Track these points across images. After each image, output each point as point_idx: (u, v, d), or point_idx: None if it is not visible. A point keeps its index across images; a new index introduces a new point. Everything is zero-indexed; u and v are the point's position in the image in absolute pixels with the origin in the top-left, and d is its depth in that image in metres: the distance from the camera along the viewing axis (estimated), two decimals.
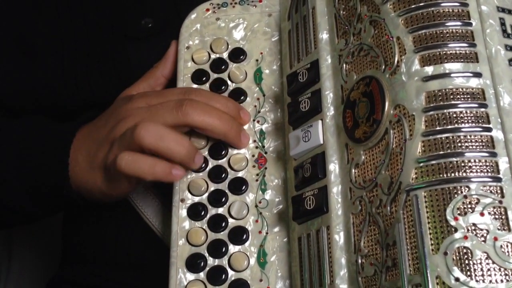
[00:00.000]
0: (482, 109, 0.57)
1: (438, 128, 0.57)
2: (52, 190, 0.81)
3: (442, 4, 0.61)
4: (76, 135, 0.80)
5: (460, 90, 0.58)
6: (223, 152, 0.76)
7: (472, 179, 0.55)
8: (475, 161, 0.56)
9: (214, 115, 0.73)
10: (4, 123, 0.89)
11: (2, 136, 0.86)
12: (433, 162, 0.56)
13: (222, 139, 0.75)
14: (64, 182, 0.80)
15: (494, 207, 0.54)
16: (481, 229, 0.54)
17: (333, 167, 0.66)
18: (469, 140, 0.56)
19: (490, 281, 0.53)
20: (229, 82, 0.79)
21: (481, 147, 0.56)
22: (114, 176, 0.74)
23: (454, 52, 0.59)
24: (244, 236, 0.72)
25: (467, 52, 0.59)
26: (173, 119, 0.72)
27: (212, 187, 0.75)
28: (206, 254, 0.72)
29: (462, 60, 0.59)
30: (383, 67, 0.62)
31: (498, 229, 0.54)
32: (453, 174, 0.56)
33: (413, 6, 0.61)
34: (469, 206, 0.55)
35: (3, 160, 0.83)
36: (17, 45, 0.92)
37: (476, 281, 0.53)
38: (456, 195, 0.55)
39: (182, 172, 0.73)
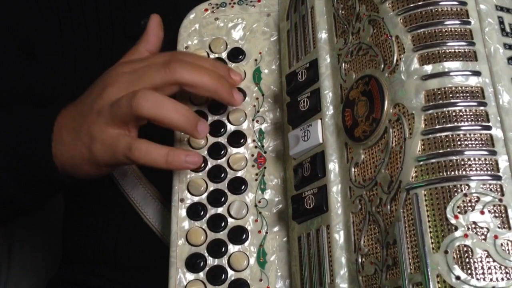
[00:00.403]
0: (481, 108, 0.57)
1: (437, 126, 0.57)
2: (37, 172, 0.80)
3: (441, 3, 0.61)
4: (61, 112, 0.79)
5: (459, 88, 0.58)
6: (222, 152, 0.76)
7: (472, 178, 0.55)
8: (474, 159, 0.56)
9: (203, 71, 0.72)
10: None
11: None
12: (433, 160, 0.57)
13: (214, 97, 0.74)
14: (48, 161, 0.78)
15: (494, 205, 0.54)
16: (481, 227, 0.54)
17: (333, 166, 0.66)
18: (468, 139, 0.57)
19: (491, 279, 0.53)
20: None
21: (480, 145, 0.56)
22: (113, 153, 0.73)
23: (453, 50, 0.59)
24: (244, 236, 0.73)
25: (466, 50, 0.59)
26: (162, 78, 0.71)
27: (212, 186, 0.75)
28: (206, 254, 0.72)
29: (461, 58, 0.59)
30: (382, 66, 0.62)
31: (498, 227, 0.54)
32: (453, 173, 0.56)
33: (411, 5, 0.61)
34: (469, 204, 0.55)
35: None
36: (17, 46, 0.92)
37: (477, 279, 0.53)
38: (456, 194, 0.55)
39: (196, 156, 0.72)
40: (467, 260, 0.53)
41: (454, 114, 0.57)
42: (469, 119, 0.57)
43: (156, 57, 0.76)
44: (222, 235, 0.73)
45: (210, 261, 0.72)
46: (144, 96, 0.69)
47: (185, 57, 0.75)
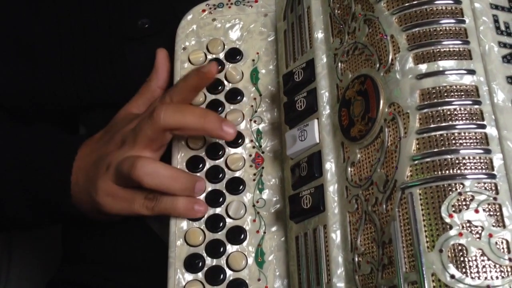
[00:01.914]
0: (476, 106, 0.57)
1: (432, 125, 0.57)
2: (53, 206, 0.83)
3: (436, 2, 0.61)
4: (78, 153, 0.81)
5: (454, 87, 0.58)
6: (220, 152, 0.76)
7: (467, 176, 0.55)
8: (469, 158, 0.56)
9: (186, 111, 0.73)
10: (8, 128, 0.89)
11: (6, 143, 0.86)
12: (428, 159, 0.57)
13: (204, 134, 0.75)
14: (66, 200, 0.81)
15: (488, 204, 0.54)
16: (476, 226, 0.54)
17: (329, 166, 0.66)
18: (463, 137, 0.57)
19: (486, 278, 0.53)
20: (225, 82, 0.79)
21: (475, 144, 0.56)
22: (128, 206, 0.76)
23: (447, 49, 0.59)
24: (242, 236, 0.73)
25: (461, 49, 0.59)
26: (150, 129, 0.73)
27: (210, 187, 0.75)
28: (204, 254, 0.72)
29: (455, 57, 0.59)
30: (378, 65, 0.62)
31: (493, 226, 0.54)
32: (447, 171, 0.56)
33: (406, 4, 0.62)
34: (463, 203, 0.55)
35: (6, 169, 0.84)
36: (16, 47, 0.93)
37: (472, 278, 0.53)
38: (450, 192, 0.55)
39: (203, 206, 0.74)
40: (461, 258, 0.53)
41: (448, 113, 0.58)
42: (463, 118, 0.57)
43: (150, 106, 0.77)
44: (221, 235, 0.73)
45: (209, 261, 0.72)
46: (142, 168, 0.72)
47: (174, 96, 0.75)
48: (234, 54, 0.80)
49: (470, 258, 0.53)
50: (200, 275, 0.71)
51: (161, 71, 0.82)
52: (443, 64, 0.59)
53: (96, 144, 0.80)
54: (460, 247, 0.53)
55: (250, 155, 0.76)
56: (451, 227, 0.54)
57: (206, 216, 0.74)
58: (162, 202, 0.73)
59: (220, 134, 0.73)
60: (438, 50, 0.59)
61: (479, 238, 0.54)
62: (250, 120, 0.78)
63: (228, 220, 0.73)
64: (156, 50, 0.83)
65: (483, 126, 0.57)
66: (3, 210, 0.85)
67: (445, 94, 0.58)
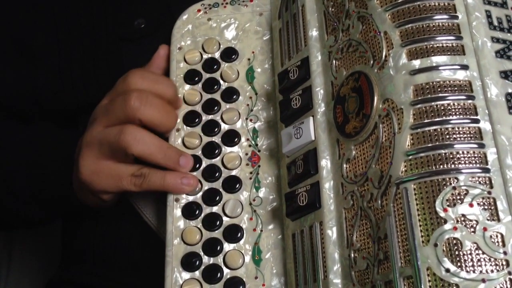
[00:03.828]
0: (470, 101, 0.58)
1: (426, 120, 0.58)
2: (59, 199, 0.84)
3: None
4: (78, 145, 0.81)
5: (447, 82, 0.58)
6: (217, 151, 0.76)
7: (461, 171, 0.55)
8: (463, 152, 0.56)
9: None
10: (11, 128, 0.90)
11: (11, 141, 0.87)
12: (422, 154, 0.57)
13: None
14: (69, 189, 0.81)
15: (483, 198, 0.55)
16: (471, 220, 0.54)
17: (325, 163, 0.66)
18: (457, 132, 0.57)
19: (481, 272, 0.53)
20: (221, 82, 0.80)
21: (469, 138, 0.57)
22: (115, 182, 0.75)
23: (440, 45, 0.60)
24: (239, 234, 0.73)
25: (454, 45, 0.60)
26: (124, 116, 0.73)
27: (206, 186, 0.75)
28: (201, 253, 0.72)
29: (449, 53, 0.59)
30: (372, 62, 0.63)
31: (487, 220, 0.54)
32: (442, 166, 0.56)
33: (399, 1, 0.62)
34: (458, 197, 0.55)
35: (12, 166, 0.84)
36: (15, 48, 0.93)
37: (467, 271, 0.53)
38: (445, 187, 0.55)
39: (192, 179, 0.74)
40: (456, 252, 0.53)
41: (442, 108, 0.58)
42: (457, 113, 0.57)
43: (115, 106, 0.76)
44: (217, 233, 0.73)
45: (206, 260, 0.72)
46: (132, 134, 0.71)
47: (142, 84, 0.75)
48: (229, 54, 0.81)
49: (465, 252, 0.53)
50: (197, 273, 0.71)
51: (154, 66, 0.82)
52: (437, 59, 0.59)
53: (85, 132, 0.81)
54: (455, 241, 0.54)
55: (246, 154, 0.76)
56: (445, 221, 0.54)
57: (203, 214, 0.74)
58: (151, 177, 0.73)
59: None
60: (431, 45, 0.60)
61: (474, 232, 0.54)
62: (246, 118, 0.78)
63: (225, 218, 0.74)
64: (160, 46, 0.82)
65: (477, 121, 0.57)
66: (9, 207, 0.86)
67: (439, 90, 0.58)
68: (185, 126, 0.77)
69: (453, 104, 0.58)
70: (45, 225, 0.95)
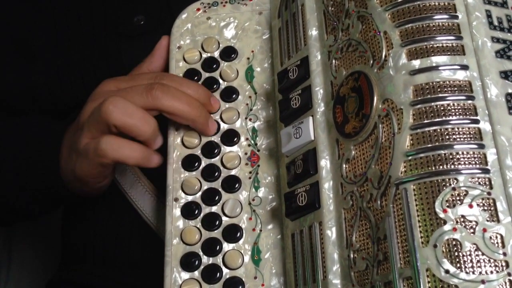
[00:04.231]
0: (470, 101, 0.57)
1: (426, 121, 0.57)
2: (47, 188, 0.83)
3: None
4: (66, 133, 0.81)
5: (447, 82, 0.58)
6: (216, 151, 0.76)
7: (461, 171, 0.55)
8: (463, 153, 0.56)
9: (184, 100, 0.73)
10: (2, 121, 0.90)
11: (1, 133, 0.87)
12: (422, 155, 0.57)
13: (190, 125, 0.75)
14: (57, 179, 0.80)
15: (482, 199, 0.54)
16: (470, 221, 0.54)
17: (324, 163, 0.66)
18: (457, 133, 0.57)
19: (480, 273, 0.53)
20: (220, 81, 0.80)
21: (469, 139, 0.56)
22: (87, 160, 0.74)
23: (440, 45, 0.59)
24: (238, 234, 0.73)
25: (454, 45, 0.59)
26: (143, 102, 0.72)
27: (205, 185, 0.75)
28: (201, 253, 0.72)
29: (448, 53, 0.59)
30: (371, 62, 0.62)
31: (487, 221, 0.54)
32: (441, 167, 0.56)
33: (399, 1, 0.62)
34: (457, 198, 0.55)
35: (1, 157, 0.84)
36: (15, 46, 0.93)
37: (466, 272, 0.53)
38: (444, 188, 0.55)
39: (160, 158, 0.74)
40: (456, 253, 0.53)
41: (442, 108, 0.58)
42: (457, 113, 0.57)
43: (141, 79, 0.76)
44: (217, 233, 0.73)
45: (205, 259, 0.72)
46: (113, 102, 0.70)
47: (170, 81, 0.75)
48: (229, 53, 0.80)
49: (464, 253, 0.53)
50: (196, 273, 0.71)
51: (157, 56, 0.81)
52: (436, 59, 0.59)
53: (76, 119, 0.80)
54: (454, 242, 0.53)
55: (246, 153, 0.76)
56: (445, 222, 0.54)
57: (202, 214, 0.74)
58: (124, 146, 0.71)
59: (204, 129, 0.75)
60: (431, 45, 0.59)
61: (473, 233, 0.54)
62: (246, 118, 0.78)
63: (224, 218, 0.73)
64: (162, 36, 0.82)
65: (477, 121, 0.57)
66: (1, 199, 0.85)
67: (439, 90, 0.58)
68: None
69: (453, 105, 0.57)
70: (41, 217, 0.94)
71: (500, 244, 0.53)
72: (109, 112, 0.70)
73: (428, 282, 0.53)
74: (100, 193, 0.83)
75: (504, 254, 0.53)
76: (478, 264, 0.53)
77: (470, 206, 0.54)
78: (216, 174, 0.75)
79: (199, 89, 0.76)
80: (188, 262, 0.72)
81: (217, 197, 0.74)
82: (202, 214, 0.74)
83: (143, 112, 0.71)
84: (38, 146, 0.83)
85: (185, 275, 0.71)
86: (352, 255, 0.61)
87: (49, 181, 0.81)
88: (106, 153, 0.71)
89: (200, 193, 0.75)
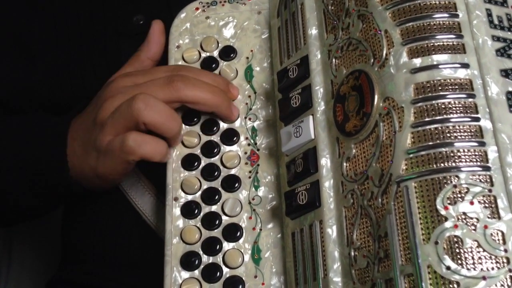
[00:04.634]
0: (470, 99, 0.58)
1: (427, 119, 0.58)
2: (53, 183, 0.82)
3: None
4: (71, 125, 0.80)
5: (448, 81, 0.58)
6: (216, 150, 0.76)
7: (462, 169, 0.55)
8: (464, 150, 0.56)
9: (205, 89, 0.74)
10: (1, 120, 0.89)
11: (1, 131, 0.86)
12: (423, 153, 0.57)
13: (214, 112, 0.76)
14: (65, 173, 0.80)
15: (483, 196, 0.55)
16: (471, 218, 0.54)
17: (325, 162, 0.66)
18: (458, 130, 0.57)
19: (481, 269, 0.53)
20: None
21: (470, 137, 0.57)
22: (112, 158, 0.74)
23: (441, 43, 0.60)
24: (238, 233, 0.73)
25: (455, 43, 0.60)
26: (165, 95, 0.72)
27: (205, 185, 0.75)
28: (201, 252, 0.72)
29: (449, 51, 0.59)
30: (372, 60, 0.63)
31: (488, 217, 0.54)
32: (442, 164, 0.56)
33: None
34: (458, 195, 0.55)
35: (2, 155, 0.84)
36: (14, 44, 0.93)
37: (467, 269, 0.53)
38: (446, 185, 0.55)
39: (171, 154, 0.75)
40: (457, 250, 0.53)
41: (443, 106, 0.58)
42: (458, 111, 0.57)
43: (158, 72, 0.76)
44: (217, 233, 0.73)
45: (205, 259, 0.72)
46: (144, 99, 0.70)
47: (187, 72, 0.75)
48: (228, 52, 0.81)
49: (465, 250, 0.53)
50: (196, 272, 0.71)
51: (152, 42, 0.81)
52: (437, 58, 0.59)
53: (86, 114, 0.80)
54: (455, 239, 0.54)
55: (246, 153, 0.76)
56: (446, 219, 0.54)
57: (202, 213, 0.74)
58: (151, 142, 0.72)
59: (228, 115, 0.76)
60: (432, 44, 0.60)
61: (475, 229, 0.54)
62: (245, 117, 0.78)
63: (224, 217, 0.74)
64: (152, 21, 0.82)
65: (478, 119, 0.57)
66: (4, 198, 0.85)
67: (440, 88, 0.58)
68: (184, 125, 0.77)
69: (454, 103, 0.58)
70: (43, 216, 0.93)
71: (501, 241, 0.54)
72: (141, 110, 0.70)
73: (430, 278, 0.53)
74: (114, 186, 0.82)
75: (505, 250, 0.53)
76: (479, 261, 0.53)
77: (471, 203, 0.54)
78: (216, 173, 0.75)
79: (217, 78, 0.77)
80: (188, 261, 0.72)
81: (217, 197, 0.74)
82: (202, 214, 0.74)
83: (170, 109, 0.72)
84: (43, 142, 0.82)
85: (185, 275, 0.71)
86: (353, 253, 0.61)
87: (55, 178, 0.81)
88: (133, 150, 0.71)
89: (200, 192, 0.75)
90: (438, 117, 0.57)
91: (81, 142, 0.78)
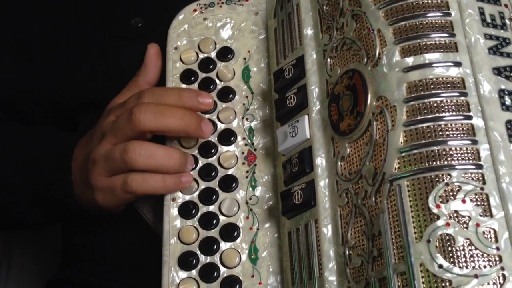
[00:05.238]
0: (463, 98, 0.58)
1: (419, 117, 0.58)
2: (58, 204, 0.84)
3: None
4: (74, 153, 0.82)
5: (440, 79, 0.59)
6: (213, 150, 0.76)
7: (454, 167, 0.56)
8: (456, 149, 0.56)
9: (167, 114, 0.72)
10: (9, 130, 0.90)
11: (7, 144, 0.87)
12: (415, 151, 0.57)
13: (183, 136, 0.76)
14: (70, 199, 0.81)
15: (475, 194, 0.55)
16: (463, 216, 0.54)
17: (320, 161, 0.67)
18: (450, 129, 0.57)
19: (474, 267, 0.53)
20: (217, 81, 0.80)
21: (462, 135, 0.57)
22: (113, 195, 0.75)
23: (433, 42, 0.60)
24: (235, 233, 0.73)
25: (447, 42, 0.60)
26: (131, 131, 0.72)
27: (203, 185, 0.75)
28: (198, 252, 0.72)
29: (441, 50, 0.59)
30: (365, 60, 0.63)
31: (480, 216, 0.54)
32: (435, 163, 0.56)
33: None
34: (451, 193, 0.55)
35: (9, 170, 0.85)
36: (15, 47, 0.93)
37: (460, 267, 0.53)
38: (438, 183, 0.55)
39: (190, 176, 0.74)
40: (449, 248, 0.53)
41: (435, 105, 0.58)
42: (450, 110, 0.58)
43: (128, 102, 0.76)
44: (214, 232, 0.73)
45: (202, 258, 0.72)
46: (135, 150, 0.71)
47: (150, 97, 0.74)
48: (225, 53, 0.81)
49: (457, 248, 0.53)
50: (194, 272, 0.72)
51: (150, 66, 0.82)
52: (430, 56, 0.59)
53: (85, 142, 0.81)
54: (447, 237, 0.54)
55: (243, 153, 0.76)
56: (438, 218, 0.54)
57: (199, 213, 0.74)
58: (150, 181, 0.73)
59: (199, 134, 0.75)
60: (424, 43, 0.60)
61: (467, 227, 0.54)
62: (242, 118, 0.78)
63: (221, 217, 0.74)
64: (148, 45, 0.83)
65: (470, 117, 0.57)
66: (8, 211, 0.86)
67: (432, 87, 0.58)
68: None
69: (446, 101, 0.58)
70: (44, 227, 0.95)
71: (493, 239, 0.54)
72: (134, 161, 0.71)
73: (422, 277, 0.53)
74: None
75: (497, 248, 0.53)
76: (472, 259, 0.53)
77: (463, 201, 0.54)
78: (213, 173, 0.76)
79: (184, 93, 0.75)
80: (186, 261, 0.72)
81: (214, 197, 0.75)
82: (199, 214, 0.74)
83: (164, 148, 0.73)
84: (50, 159, 0.83)
85: (183, 274, 0.72)
86: (347, 252, 0.61)
87: (59, 194, 0.82)
88: (134, 190, 0.73)
89: (197, 192, 0.75)
90: (430, 116, 0.57)
91: (80, 174, 0.80)
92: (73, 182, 0.81)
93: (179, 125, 0.73)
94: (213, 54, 0.81)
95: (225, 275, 0.71)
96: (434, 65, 0.59)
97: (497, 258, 0.53)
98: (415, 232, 0.55)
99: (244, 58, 0.81)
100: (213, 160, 0.76)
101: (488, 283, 0.52)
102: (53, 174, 0.82)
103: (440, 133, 0.57)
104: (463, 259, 0.53)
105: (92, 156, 0.76)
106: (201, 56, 0.81)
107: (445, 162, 0.56)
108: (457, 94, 0.58)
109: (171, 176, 0.74)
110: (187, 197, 0.75)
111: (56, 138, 0.88)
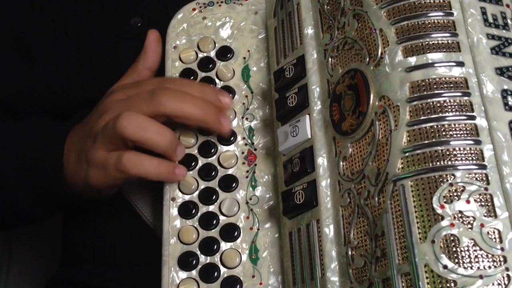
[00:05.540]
0: (466, 98, 0.58)
1: (422, 117, 0.58)
2: (50, 191, 0.82)
3: None
4: (69, 134, 0.81)
5: (443, 79, 0.58)
6: (213, 150, 0.76)
7: (458, 167, 0.55)
8: (460, 149, 0.56)
9: (190, 102, 0.72)
10: (1, 124, 0.90)
11: (1, 137, 0.87)
12: (419, 151, 0.57)
13: (202, 126, 0.75)
14: (61, 183, 0.80)
15: (480, 194, 0.55)
16: (468, 216, 0.54)
17: (322, 161, 0.66)
18: (453, 129, 0.57)
19: (478, 268, 0.53)
20: (217, 81, 0.80)
21: (465, 135, 0.57)
22: (105, 172, 0.74)
23: (436, 42, 0.60)
24: (236, 233, 0.73)
25: (449, 41, 0.60)
26: (149, 109, 0.72)
27: (203, 185, 0.75)
28: (198, 252, 0.72)
29: (444, 49, 0.59)
30: (367, 59, 0.63)
31: (484, 216, 0.54)
32: (438, 163, 0.56)
33: None
34: (455, 194, 0.55)
35: (2, 161, 0.84)
36: (14, 47, 0.93)
37: (464, 268, 0.53)
38: (442, 184, 0.55)
39: (184, 170, 0.74)
40: (454, 249, 0.53)
41: (438, 105, 0.58)
42: (453, 110, 0.57)
43: (146, 84, 0.76)
44: (214, 232, 0.73)
45: (203, 259, 0.72)
46: (127, 117, 0.70)
47: (173, 84, 0.74)
48: (225, 52, 0.81)
49: (462, 248, 0.53)
50: (194, 273, 0.71)
51: (150, 52, 0.81)
52: (432, 56, 0.59)
53: (84, 124, 0.80)
54: (452, 238, 0.54)
55: (243, 153, 0.76)
56: (442, 218, 0.54)
57: (199, 213, 0.74)
58: (145, 163, 0.72)
59: (217, 127, 0.74)
60: (426, 42, 0.60)
61: (471, 228, 0.54)
62: (242, 117, 0.78)
63: (221, 217, 0.74)
64: (148, 31, 0.82)
65: (473, 117, 0.57)
66: (3, 203, 0.85)
67: (435, 86, 0.58)
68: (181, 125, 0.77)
69: (449, 101, 0.58)
70: (42, 221, 0.94)
71: (497, 239, 0.54)
72: (124, 128, 0.70)
73: (427, 277, 0.53)
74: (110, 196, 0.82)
75: (502, 249, 0.53)
76: (476, 259, 0.53)
77: (468, 201, 0.54)
78: (213, 173, 0.75)
79: (205, 88, 0.75)
80: (186, 261, 0.72)
81: (214, 196, 0.74)
82: (199, 214, 0.74)
83: (158, 125, 0.71)
84: (41, 150, 0.82)
85: (183, 275, 0.71)
86: (350, 252, 0.61)
87: (52, 184, 0.81)
88: (127, 169, 0.72)
89: (197, 192, 0.75)
90: (433, 116, 0.57)
91: (75, 151, 0.78)
92: (65, 164, 0.79)
93: (200, 113, 0.72)
94: (212, 54, 0.81)
95: (225, 276, 0.71)
96: (437, 65, 0.59)
97: (501, 259, 0.53)
98: (419, 233, 0.55)
99: (244, 58, 0.80)
100: (213, 160, 0.76)
101: (493, 284, 0.52)
102: (45, 159, 0.81)
103: (444, 133, 0.57)
104: (468, 260, 0.53)
105: (93, 130, 0.75)
106: (200, 55, 0.81)
107: (449, 163, 0.56)
108: (460, 94, 0.58)
109: (166, 163, 0.73)
110: (187, 197, 0.75)
111: (47, 124, 0.87)
